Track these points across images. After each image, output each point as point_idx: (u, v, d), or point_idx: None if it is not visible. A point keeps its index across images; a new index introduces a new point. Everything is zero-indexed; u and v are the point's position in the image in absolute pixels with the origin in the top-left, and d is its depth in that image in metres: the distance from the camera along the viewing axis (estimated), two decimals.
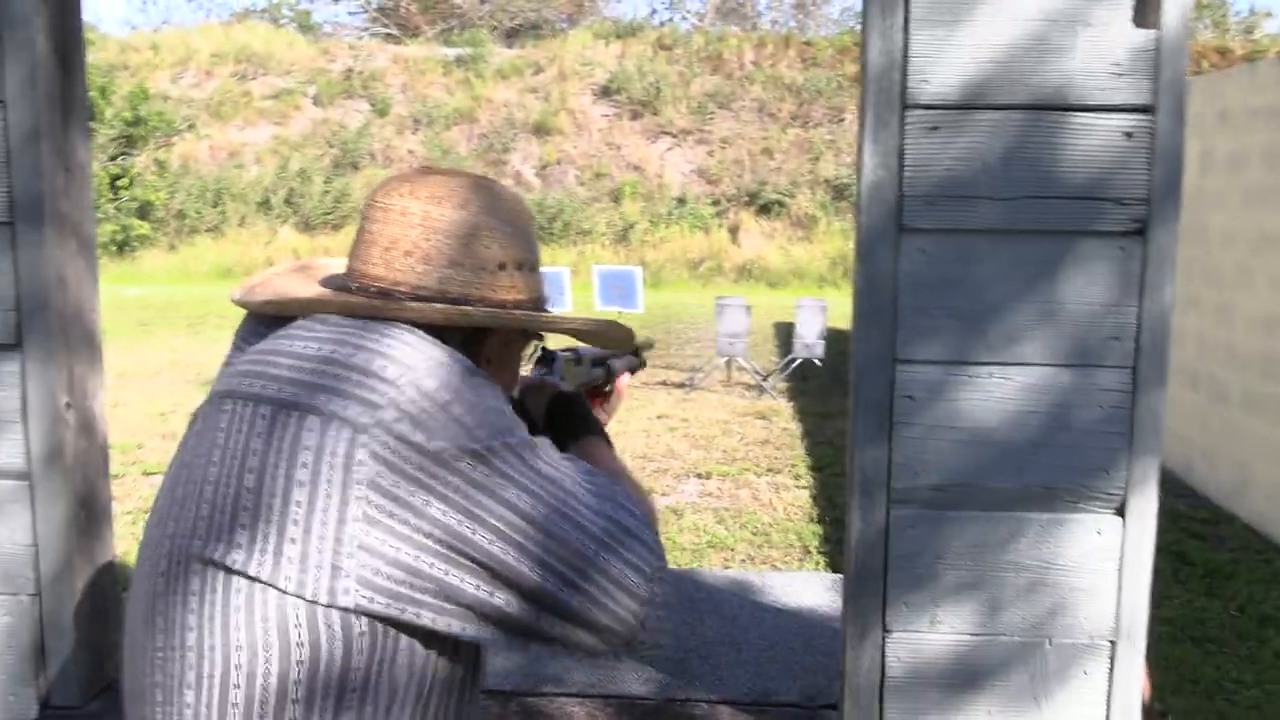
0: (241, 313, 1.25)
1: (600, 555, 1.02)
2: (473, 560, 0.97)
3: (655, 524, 1.10)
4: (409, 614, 0.96)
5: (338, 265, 1.32)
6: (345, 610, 0.95)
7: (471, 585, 0.97)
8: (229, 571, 0.96)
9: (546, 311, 1.23)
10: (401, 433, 0.96)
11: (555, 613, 1.01)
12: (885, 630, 1.65)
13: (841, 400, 9.70)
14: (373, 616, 0.96)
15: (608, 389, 1.52)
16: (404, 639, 0.99)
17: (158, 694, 0.99)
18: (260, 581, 0.95)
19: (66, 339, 1.77)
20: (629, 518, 1.06)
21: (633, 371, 1.59)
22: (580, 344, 1.44)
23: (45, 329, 1.73)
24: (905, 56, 1.56)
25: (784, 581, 2.38)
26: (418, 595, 0.96)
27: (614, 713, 1.80)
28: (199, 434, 1.05)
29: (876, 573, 1.64)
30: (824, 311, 10.47)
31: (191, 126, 23.97)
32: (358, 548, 0.94)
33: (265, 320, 1.19)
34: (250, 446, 0.99)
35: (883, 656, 1.65)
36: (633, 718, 1.79)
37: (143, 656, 1.02)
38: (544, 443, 1.06)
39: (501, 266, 1.14)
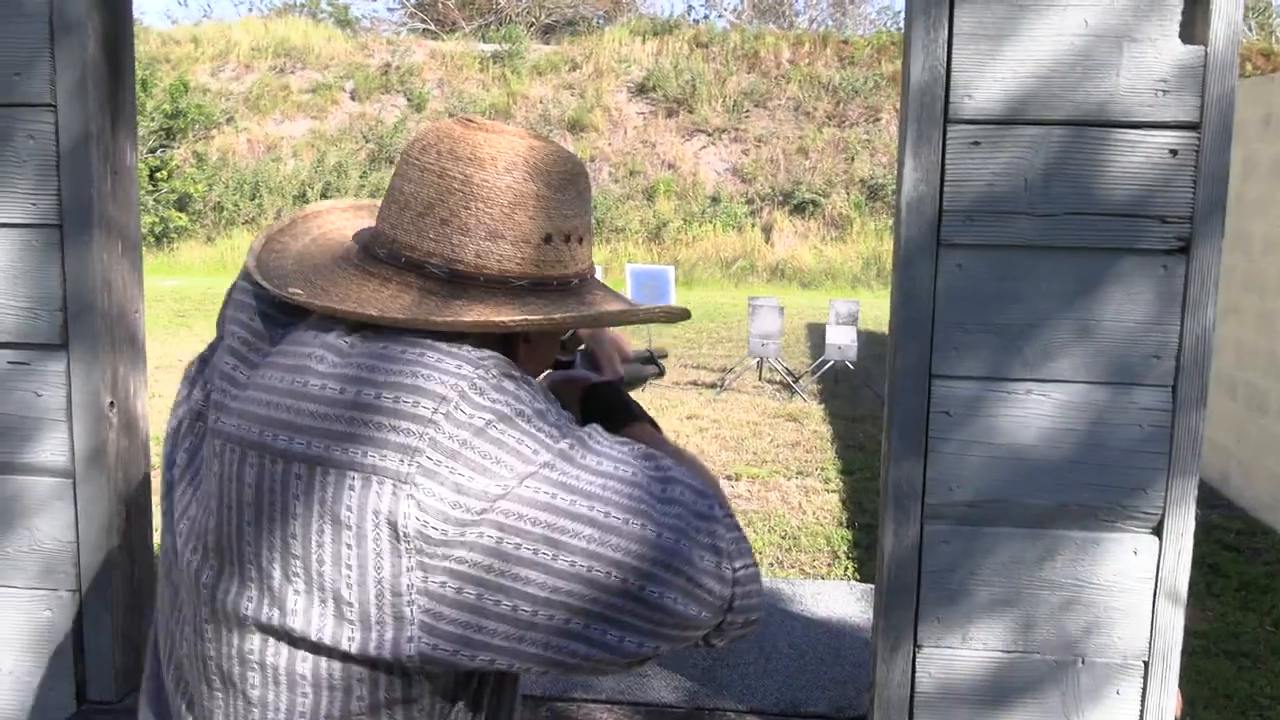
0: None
1: (679, 543, 0.94)
2: (548, 589, 0.90)
3: (723, 498, 1.03)
4: (481, 660, 0.92)
5: (370, 208, 1.23)
6: (412, 662, 0.91)
7: (547, 616, 0.91)
8: (291, 636, 0.92)
9: (596, 286, 1.13)
10: (445, 475, 0.90)
11: (646, 621, 0.93)
12: (917, 645, 1.65)
13: (873, 404, 9.65)
14: (437, 662, 0.92)
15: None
16: (463, 677, 0.96)
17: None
18: (324, 645, 0.91)
19: (111, 339, 1.80)
20: (699, 499, 0.98)
21: (652, 379, 1.56)
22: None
23: (91, 330, 1.76)
24: (948, 71, 1.55)
25: (814, 590, 2.38)
26: (485, 638, 0.91)
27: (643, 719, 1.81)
28: (220, 480, 0.97)
29: (909, 587, 1.64)
30: (856, 312, 10.43)
31: (230, 119, 24.20)
32: (419, 594, 0.90)
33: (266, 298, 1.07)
34: (290, 510, 0.93)
35: (913, 671, 1.65)
36: None
37: (199, 687, 1.00)
38: (596, 434, 0.99)
39: (547, 239, 1.04)
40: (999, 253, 1.58)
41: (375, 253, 1.04)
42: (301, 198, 22.82)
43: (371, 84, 25.10)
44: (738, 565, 0.97)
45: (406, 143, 1.07)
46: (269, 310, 1.06)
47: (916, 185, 1.58)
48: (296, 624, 0.91)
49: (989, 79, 1.55)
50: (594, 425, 1.01)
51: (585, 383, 1.30)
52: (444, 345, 0.96)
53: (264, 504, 0.93)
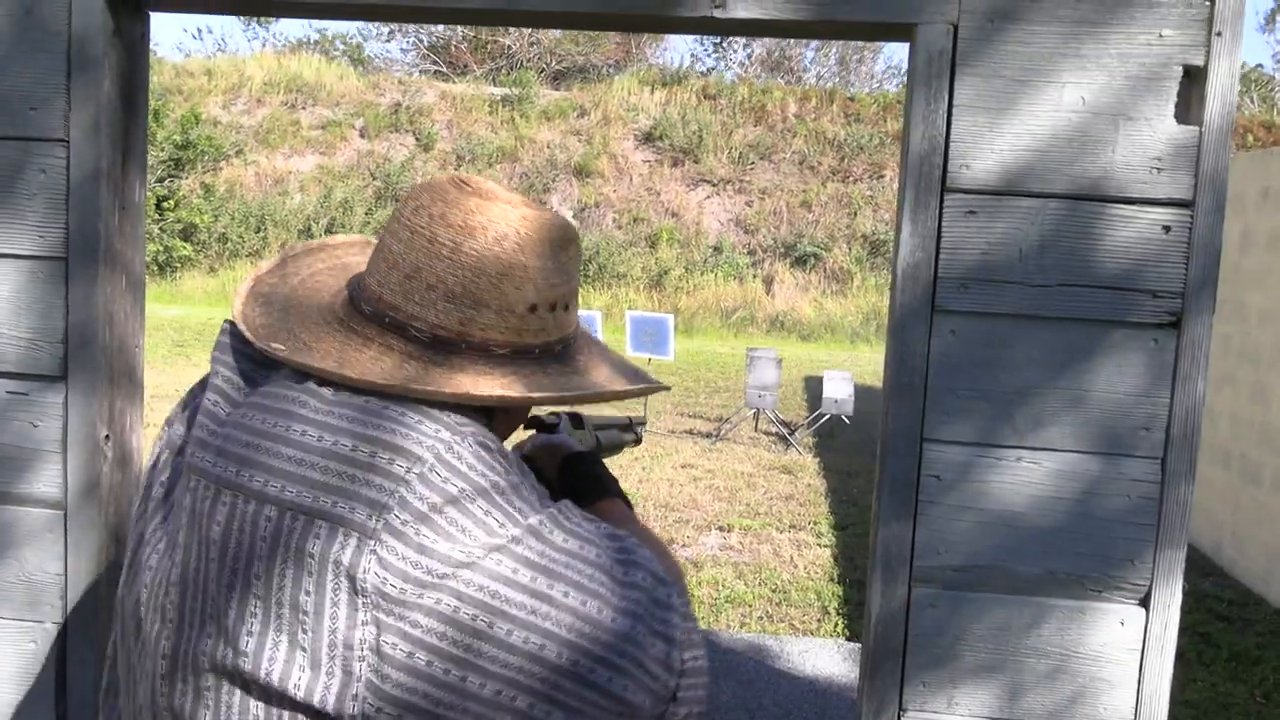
0: None
1: (634, 629, 0.94)
2: (498, 663, 0.90)
3: (683, 586, 1.04)
4: None
5: (358, 245, 1.24)
6: (353, 717, 0.90)
7: (493, 691, 0.90)
8: (239, 676, 0.92)
9: (578, 348, 1.15)
10: (410, 536, 0.90)
11: (588, 703, 0.92)
12: (902, 709, 1.64)
13: (868, 459, 9.64)
14: None
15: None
16: None
17: None
18: (273, 689, 0.91)
19: (110, 373, 1.81)
20: (658, 586, 0.98)
21: (629, 446, 1.58)
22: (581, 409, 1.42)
23: (91, 363, 1.77)
24: (947, 141, 1.58)
25: (801, 648, 2.37)
26: (437, 709, 0.90)
27: None
28: (193, 516, 0.98)
29: (895, 650, 1.64)
30: (851, 381, 10.45)
31: (240, 152, 24.40)
32: (369, 651, 0.89)
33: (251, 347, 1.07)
34: (256, 551, 0.93)
35: None
36: None
37: None
38: (565, 508, 0.99)
39: (532, 309, 1.05)
40: (992, 321, 1.60)
41: (361, 309, 1.05)
42: (306, 232, 22.94)
43: (381, 123, 25.34)
44: (687, 656, 0.98)
45: (403, 195, 1.07)
46: (254, 354, 1.07)
47: (913, 251, 1.60)
48: (247, 665, 0.92)
49: (987, 150, 1.58)
50: (565, 501, 1.01)
51: (565, 450, 1.30)
52: (424, 408, 0.97)
53: (230, 542, 0.94)
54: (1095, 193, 1.57)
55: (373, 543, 0.90)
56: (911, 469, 1.62)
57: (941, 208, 1.59)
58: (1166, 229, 1.56)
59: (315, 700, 0.90)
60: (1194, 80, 1.56)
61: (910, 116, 1.60)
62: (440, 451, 0.93)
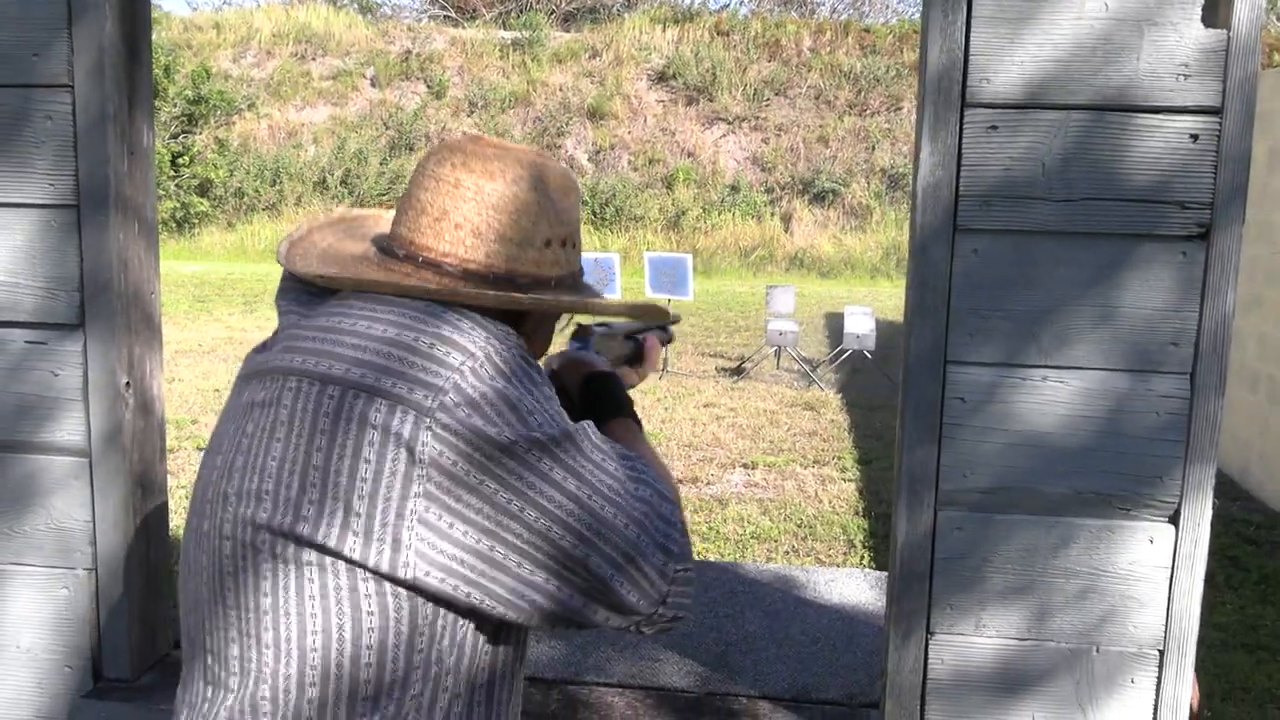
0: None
1: (640, 538, 1.07)
2: (523, 540, 1.02)
3: (680, 506, 1.17)
4: (461, 591, 1.02)
5: (373, 218, 1.35)
6: (406, 584, 1.01)
7: (515, 563, 1.02)
8: (299, 541, 1.01)
9: (585, 285, 1.28)
10: (462, 417, 1.00)
11: (593, 592, 1.06)
12: (929, 632, 1.64)
13: (890, 393, 9.62)
14: (429, 594, 1.02)
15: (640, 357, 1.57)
16: (460, 622, 1.05)
17: (233, 649, 1.04)
18: (329, 550, 1.00)
19: (128, 320, 1.81)
20: (662, 502, 1.11)
21: (663, 345, 1.62)
22: (614, 319, 1.46)
23: (107, 310, 1.77)
24: (966, 55, 1.54)
25: (827, 577, 2.37)
26: (470, 574, 1.01)
27: (654, 704, 1.81)
28: (261, 407, 1.07)
29: (922, 574, 1.63)
30: (872, 316, 10.39)
31: (251, 106, 24.27)
32: (418, 522, 0.99)
33: (308, 284, 1.21)
34: (318, 425, 1.02)
35: (926, 658, 1.65)
36: (673, 710, 1.80)
37: (213, 618, 1.07)
38: (587, 429, 1.10)
39: (547, 243, 1.18)
40: (1016, 238, 1.56)
41: (395, 253, 1.17)
42: (322, 184, 22.89)
43: (392, 71, 25.12)
44: (678, 567, 1.11)
45: (426, 152, 1.20)
46: (312, 290, 1.20)
47: (933, 170, 1.57)
48: (305, 530, 1.00)
49: (1007, 63, 1.53)
50: (587, 422, 1.13)
51: (589, 368, 1.40)
52: (477, 315, 1.09)
53: (295, 421, 1.04)
54: (1120, 102, 1.52)
55: (428, 420, 1.00)
56: (935, 392, 1.60)
57: (962, 124, 1.55)
58: (1194, 138, 1.52)
59: (370, 562, 1.00)
60: None
61: (927, 31, 1.56)
62: (490, 352, 1.05)
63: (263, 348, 1.18)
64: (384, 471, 1.00)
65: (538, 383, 1.07)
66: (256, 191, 22.74)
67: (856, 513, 6.30)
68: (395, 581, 1.01)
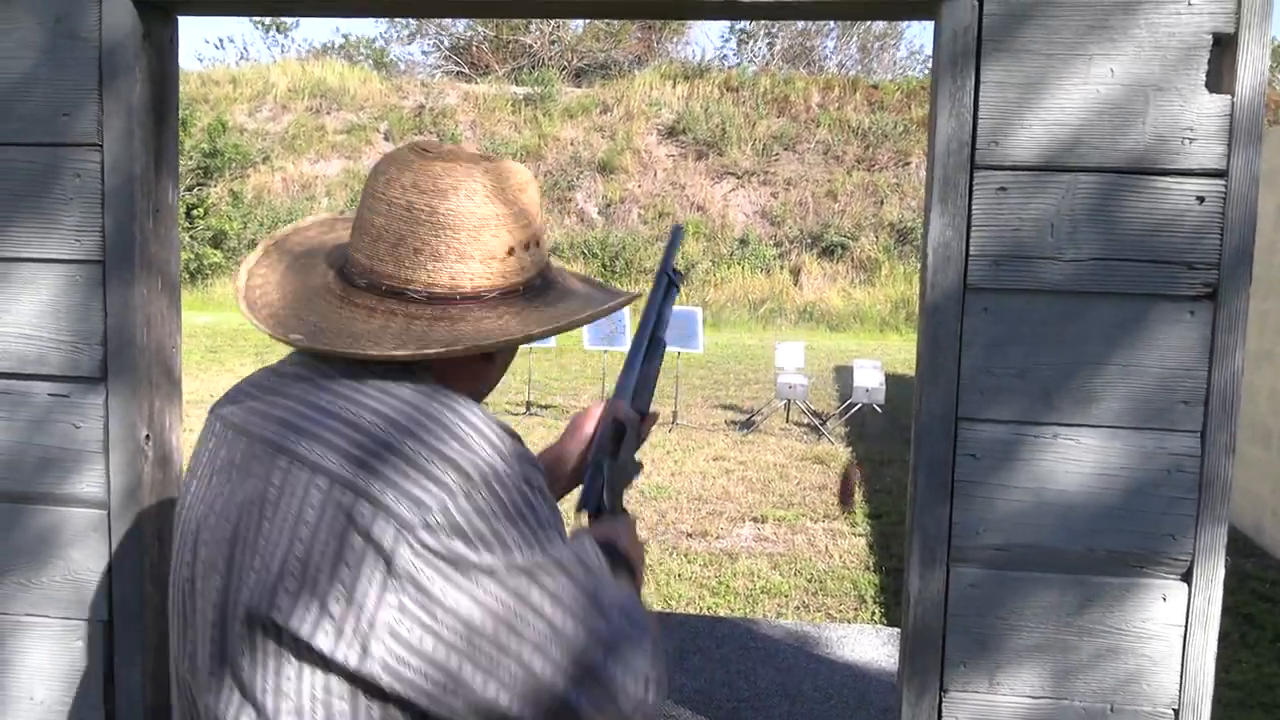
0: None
1: (608, 662, 1.05)
2: (492, 661, 1.00)
3: (656, 632, 1.15)
4: (423, 702, 1.00)
5: (314, 227, 1.33)
6: (372, 689, 0.99)
7: (482, 684, 1.00)
8: (275, 626, 1.00)
9: (553, 281, 1.24)
10: (444, 539, 0.99)
11: (559, 713, 1.03)
12: (943, 689, 1.64)
13: (901, 447, 9.60)
14: (396, 700, 1.00)
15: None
16: None
17: (223, 711, 1.04)
18: (301, 641, 0.99)
19: (149, 375, 1.84)
20: (636, 630, 1.10)
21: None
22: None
23: (130, 365, 1.79)
24: (975, 119, 1.57)
25: (840, 634, 2.37)
26: (434, 689, 0.99)
27: None
28: (243, 473, 1.07)
29: (935, 631, 1.63)
30: (881, 370, 10.39)
31: (266, 159, 24.58)
32: (388, 634, 0.98)
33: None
34: (303, 516, 1.01)
35: (940, 716, 1.64)
36: None
37: (201, 677, 1.07)
38: (580, 550, 1.09)
39: (510, 252, 1.15)
40: (1025, 298, 1.58)
41: (356, 283, 1.14)
42: None
43: (405, 125, 25.44)
44: (649, 696, 1.09)
45: (372, 170, 1.16)
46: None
47: (943, 230, 1.59)
48: (279, 618, 1.00)
49: (1015, 126, 1.57)
50: (586, 536, 1.13)
51: (616, 414, 1.41)
52: (473, 416, 1.06)
53: (283, 506, 1.02)
54: (1127, 165, 1.55)
55: (410, 536, 0.98)
56: (947, 449, 1.62)
57: (971, 185, 1.58)
58: (1200, 199, 1.54)
59: (339, 661, 0.98)
60: (1224, 48, 1.54)
61: (937, 95, 1.59)
62: (488, 476, 1.02)
63: (244, 394, 1.16)
64: (360, 578, 0.98)
65: (533, 504, 1.05)
66: None
67: (867, 568, 6.26)
68: (363, 684, 0.99)
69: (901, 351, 15.64)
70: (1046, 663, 1.61)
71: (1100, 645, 1.60)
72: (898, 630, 2.25)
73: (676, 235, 1.68)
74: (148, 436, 1.84)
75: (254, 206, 23.57)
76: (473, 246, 1.12)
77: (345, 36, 32.52)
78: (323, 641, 0.98)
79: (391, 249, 1.12)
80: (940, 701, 1.64)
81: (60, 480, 1.82)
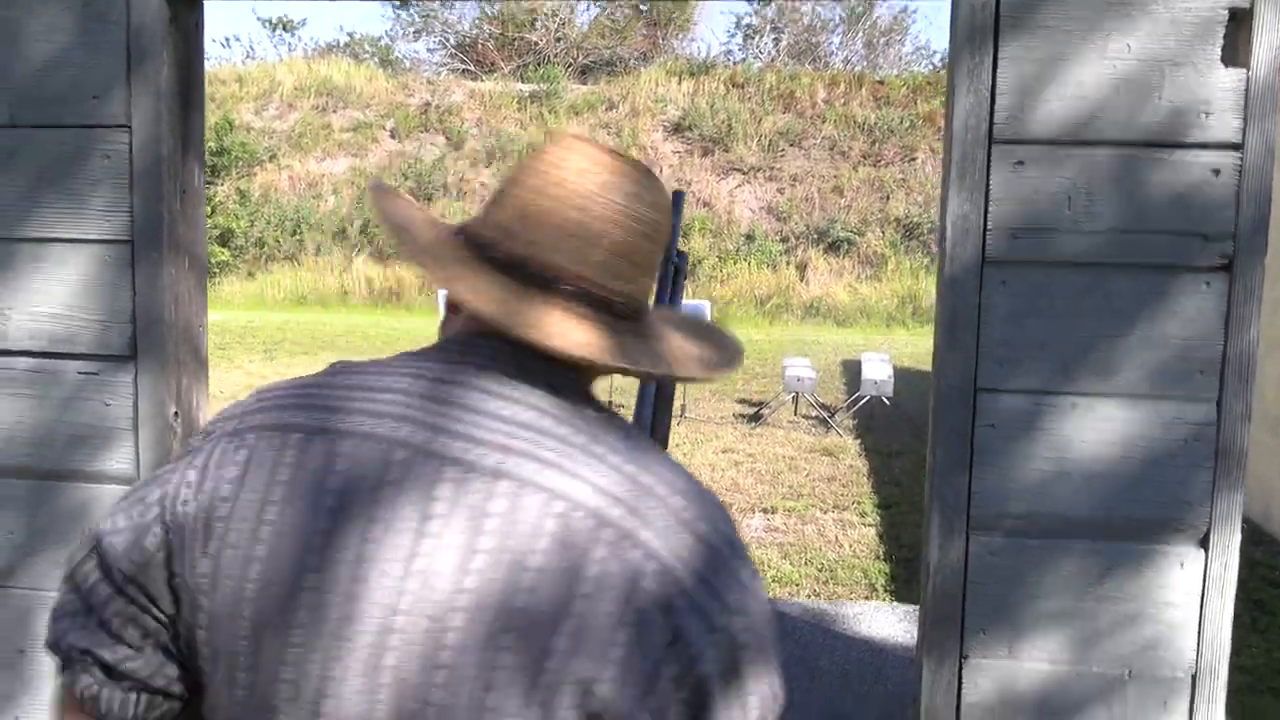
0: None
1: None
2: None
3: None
4: None
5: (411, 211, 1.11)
6: None
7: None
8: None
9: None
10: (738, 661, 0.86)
11: None
12: (963, 656, 1.66)
13: (909, 439, 9.61)
14: None
15: None
16: None
17: None
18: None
19: (177, 353, 1.86)
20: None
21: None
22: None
23: (159, 343, 1.82)
24: (993, 94, 1.59)
25: (856, 611, 2.39)
26: None
27: None
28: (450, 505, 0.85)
29: (955, 599, 1.65)
30: (890, 363, 10.41)
31: (273, 157, 24.64)
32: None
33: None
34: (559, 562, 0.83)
35: (959, 683, 1.66)
36: None
37: None
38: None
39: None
40: (1044, 270, 1.61)
41: (559, 288, 0.97)
42: (341, 234, 23.13)
43: (411, 123, 25.48)
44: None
45: (574, 173, 1.00)
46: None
47: (961, 205, 1.62)
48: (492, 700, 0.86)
49: (1033, 102, 1.59)
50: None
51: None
52: (667, 459, 0.94)
53: (507, 540, 0.85)
54: (1143, 139, 1.57)
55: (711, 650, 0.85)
56: (967, 420, 1.64)
57: (989, 160, 1.60)
58: (1216, 172, 1.56)
59: None
60: (1240, 23, 1.56)
61: (955, 71, 1.61)
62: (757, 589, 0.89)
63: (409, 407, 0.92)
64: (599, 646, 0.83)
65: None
66: (277, 241, 23.00)
67: (878, 557, 6.28)
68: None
69: (909, 346, 15.65)
70: (1066, 629, 1.63)
71: (1119, 611, 1.62)
72: (913, 607, 2.28)
73: (678, 203, 1.56)
74: (176, 414, 1.87)
75: (261, 204, 23.63)
76: (655, 260, 1.02)
77: (350, 35, 32.59)
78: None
79: (611, 257, 0.97)
80: (960, 668, 1.66)
81: (90, 457, 1.85)
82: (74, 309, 1.81)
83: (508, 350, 0.96)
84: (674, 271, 1.57)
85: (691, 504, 0.90)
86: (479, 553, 0.84)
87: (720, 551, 0.88)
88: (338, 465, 0.88)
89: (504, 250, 0.98)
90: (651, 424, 1.40)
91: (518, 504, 0.85)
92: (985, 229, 1.61)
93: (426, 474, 0.87)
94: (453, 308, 1.05)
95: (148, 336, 1.83)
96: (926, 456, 1.73)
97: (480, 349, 0.97)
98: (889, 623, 2.31)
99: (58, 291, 1.81)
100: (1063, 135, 1.59)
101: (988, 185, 1.61)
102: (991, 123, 1.60)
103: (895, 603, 5.19)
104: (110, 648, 0.93)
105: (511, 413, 0.91)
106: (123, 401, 1.83)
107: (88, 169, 1.80)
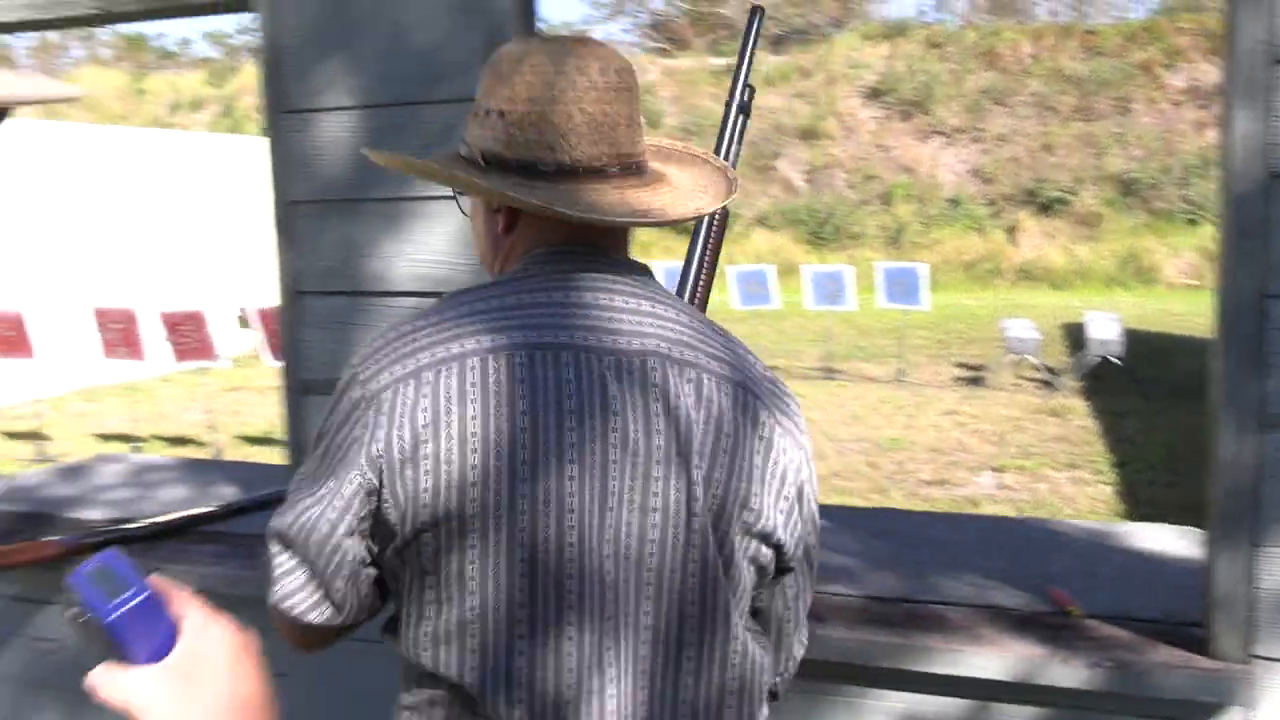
0: None
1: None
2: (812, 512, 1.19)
3: None
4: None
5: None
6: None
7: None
8: (754, 532, 1.10)
9: None
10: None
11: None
12: (1253, 545, 1.78)
13: (1140, 401, 9.32)
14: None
15: None
16: None
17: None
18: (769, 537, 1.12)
19: None
20: None
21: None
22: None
23: None
24: (1271, 14, 1.71)
25: (1129, 529, 2.51)
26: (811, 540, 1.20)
27: (989, 618, 2.01)
28: (671, 394, 1.04)
29: (1246, 489, 1.77)
30: (1118, 321, 10.05)
31: None
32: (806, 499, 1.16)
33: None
34: (724, 414, 1.07)
35: (1252, 571, 1.79)
36: (1007, 623, 2.00)
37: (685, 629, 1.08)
38: None
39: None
40: None
41: (608, 170, 1.10)
42: None
43: None
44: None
45: (569, 73, 1.08)
46: None
47: (1246, 121, 1.73)
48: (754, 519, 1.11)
49: None
50: None
51: None
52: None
53: (740, 423, 1.09)
54: None
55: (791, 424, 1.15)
56: (1256, 325, 1.76)
57: (1272, 78, 1.72)
58: None
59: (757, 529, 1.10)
60: None
61: None
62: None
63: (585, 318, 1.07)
64: (775, 458, 1.12)
65: None
66: None
67: (1116, 514, 6.22)
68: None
69: (1134, 308, 15.00)
70: None
71: None
72: (1185, 528, 2.39)
73: (755, 18, 1.60)
74: None
75: None
76: (638, 103, 1.15)
77: (544, 22, 33.45)
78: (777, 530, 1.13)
79: (628, 130, 1.11)
80: (1253, 556, 1.78)
81: None
82: (452, 255, 2.15)
83: (589, 250, 1.12)
84: (741, 117, 1.67)
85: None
86: (694, 424, 1.05)
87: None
88: (566, 374, 1.02)
89: (552, 161, 1.08)
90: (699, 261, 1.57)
91: (701, 386, 1.06)
92: (1272, 144, 1.73)
93: (637, 368, 1.05)
94: (501, 233, 1.18)
95: None
96: (1211, 364, 1.85)
97: (573, 256, 1.12)
98: (1168, 539, 2.42)
99: (437, 242, 2.16)
100: None
101: (1270, 103, 1.72)
102: (1272, 43, 1.71)
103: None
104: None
105: (649, 307, 1.09)
106: None
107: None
